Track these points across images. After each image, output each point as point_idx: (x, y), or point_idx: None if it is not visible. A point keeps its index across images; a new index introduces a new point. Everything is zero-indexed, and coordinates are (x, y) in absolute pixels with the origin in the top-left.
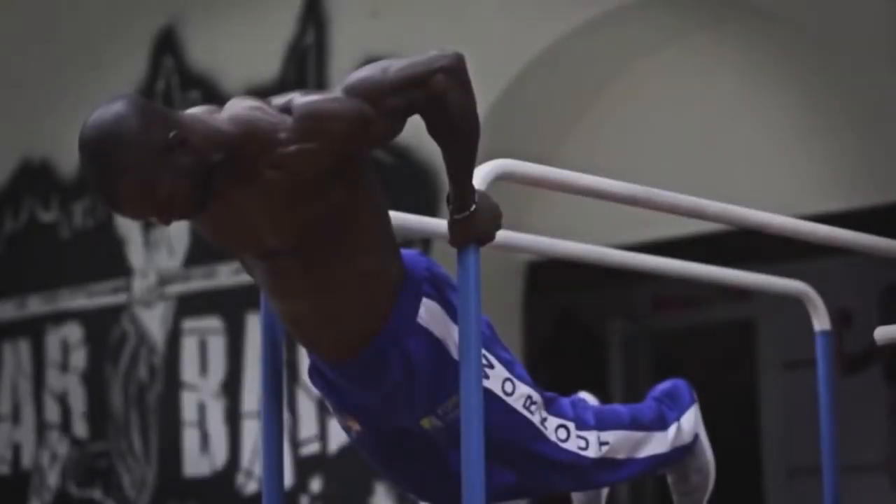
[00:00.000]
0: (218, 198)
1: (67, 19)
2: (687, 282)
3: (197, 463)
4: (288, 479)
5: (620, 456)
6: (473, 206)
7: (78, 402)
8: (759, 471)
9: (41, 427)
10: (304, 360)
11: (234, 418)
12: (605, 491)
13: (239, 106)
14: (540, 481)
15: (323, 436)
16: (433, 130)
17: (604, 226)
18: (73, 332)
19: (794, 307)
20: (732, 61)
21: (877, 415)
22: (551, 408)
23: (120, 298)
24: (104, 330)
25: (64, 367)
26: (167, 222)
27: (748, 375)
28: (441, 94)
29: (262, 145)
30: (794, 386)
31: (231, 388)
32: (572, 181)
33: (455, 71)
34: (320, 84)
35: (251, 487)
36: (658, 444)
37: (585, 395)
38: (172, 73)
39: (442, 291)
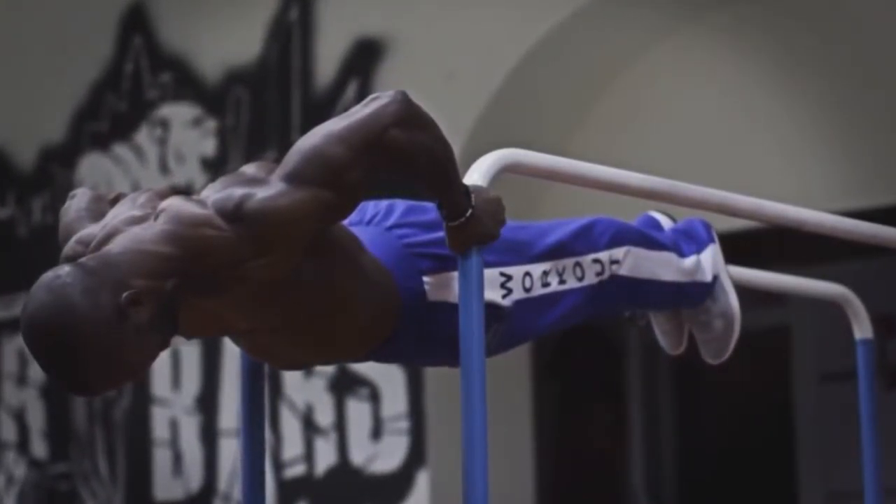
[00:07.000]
0: (181, 310)
1: None
2: None
3: (169, 486)
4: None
5: (642, 275)
6: (470, 211)
7: (37, 419)
8: (794, 493)
9: None
10: (288, 372)
11: (210, 436)
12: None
13: (179, 222)
14: (576, 322)
15: (309, 456)
16: (402, 178)
17: None
18: None
19: (832, 313)
20: (755, 43)
21: None
22: (564, 255)
23: None
24: None
25: (21, 379)
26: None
27: (782, 387)
28: (399, 149)
29: (220, 267)
30: (832, 399)
31: (207, 403)
32: (587, 173)
33: (405, 118)
34: (305, 67)
35: None
36: (677, 270)
37: (658, 216)
38: (142, 53)
39: (434, 256)
